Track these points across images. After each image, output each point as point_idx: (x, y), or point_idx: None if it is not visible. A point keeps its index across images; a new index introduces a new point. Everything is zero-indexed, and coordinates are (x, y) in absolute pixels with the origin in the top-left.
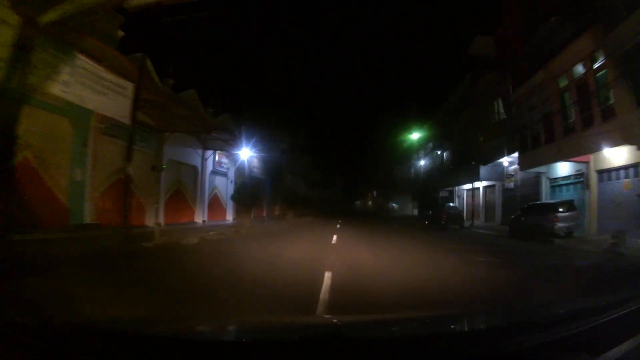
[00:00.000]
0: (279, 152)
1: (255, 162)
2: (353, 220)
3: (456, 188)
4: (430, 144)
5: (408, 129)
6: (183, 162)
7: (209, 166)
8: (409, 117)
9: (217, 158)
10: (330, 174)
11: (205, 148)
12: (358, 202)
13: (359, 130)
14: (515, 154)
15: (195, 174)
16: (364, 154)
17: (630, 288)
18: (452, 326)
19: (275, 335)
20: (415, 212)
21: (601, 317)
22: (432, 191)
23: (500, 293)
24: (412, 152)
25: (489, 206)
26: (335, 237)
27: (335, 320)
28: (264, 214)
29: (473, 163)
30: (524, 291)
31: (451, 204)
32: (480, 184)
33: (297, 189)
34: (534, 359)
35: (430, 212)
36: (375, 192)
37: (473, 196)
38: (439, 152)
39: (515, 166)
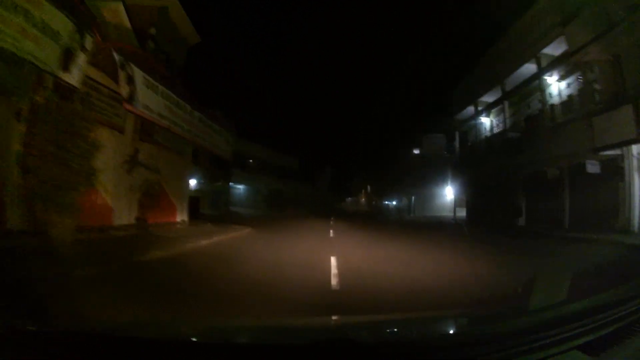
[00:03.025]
0: None
1: None
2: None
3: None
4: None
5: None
6: None
7: None
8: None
9: None
10: (314, 166)
11: None
12: (349, 198)
13: (359, 97)
14: None
15: None
16: (360, 133)
17: (629, 287)
18: (458, 329)
19: (283, 339)
20: (462, 214)
21: (600, 317)
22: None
23: None
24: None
25: None
26: None
27: (343, 322)
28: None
29: None
30: None
31: None
32: None
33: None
34: (536, 359)
35: None
36: (369, 187)
37: None
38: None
39: None
